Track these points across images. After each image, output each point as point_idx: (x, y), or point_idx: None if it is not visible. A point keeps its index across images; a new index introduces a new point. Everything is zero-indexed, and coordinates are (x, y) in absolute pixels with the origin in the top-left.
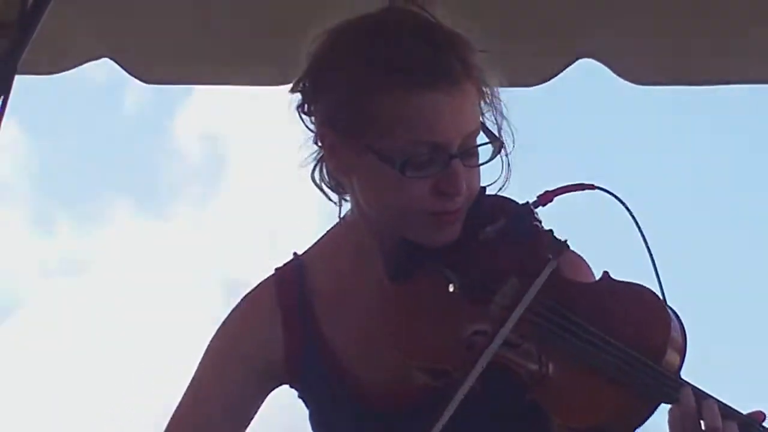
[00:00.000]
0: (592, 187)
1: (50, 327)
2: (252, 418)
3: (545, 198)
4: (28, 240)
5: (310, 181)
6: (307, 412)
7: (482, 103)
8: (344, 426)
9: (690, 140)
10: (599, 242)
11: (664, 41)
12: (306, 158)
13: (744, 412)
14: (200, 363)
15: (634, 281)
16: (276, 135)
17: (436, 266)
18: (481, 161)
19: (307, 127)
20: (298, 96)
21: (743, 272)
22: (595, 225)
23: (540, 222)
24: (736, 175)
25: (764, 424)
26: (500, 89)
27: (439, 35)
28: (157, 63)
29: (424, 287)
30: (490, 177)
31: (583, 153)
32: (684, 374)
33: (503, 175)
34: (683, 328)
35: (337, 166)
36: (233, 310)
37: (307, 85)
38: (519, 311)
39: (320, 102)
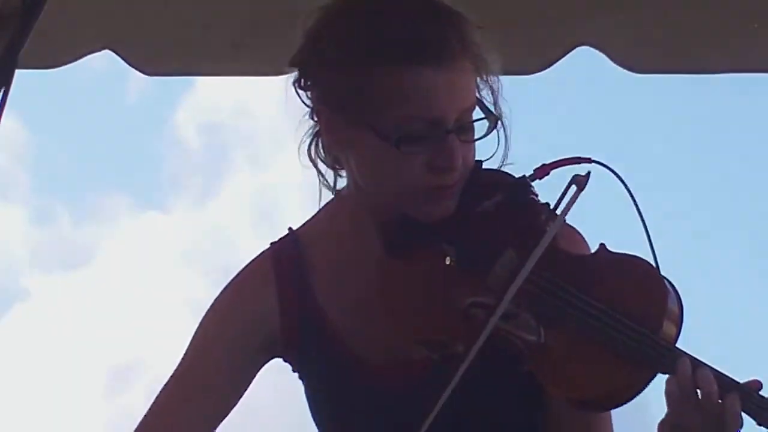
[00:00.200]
0: (588, 160)
1: (50, 321)
2: (245, 390)
3: (542, 171)
4: (28, 233)
5: (306, 157)
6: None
7: (478, 78)
8: (342, 398)
9: (688, 129)
10: (595, 217)
11: (662, 29)
12: (303, 134)
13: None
14: (194, 333)
15: (631, 253)
16: (277, 126)
17: (432, 240)
18: (476, 136)
19: (303, 102)
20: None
21: (742, 261)
22: (591, 199)
23: (536, 195)
24: (735, 164)
25: (761, 392)
26: (498, 76)
27: (436, 11)
28: (158, 54)
29: (421, 261)
30: (488, 152)
31: (581, 140)
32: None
33: (501, 151)
34: (680, 299)
35: (333, 141)
36: (228, 283)
37: (303, 60)
38: (518, 282)
39: (316, 78)
